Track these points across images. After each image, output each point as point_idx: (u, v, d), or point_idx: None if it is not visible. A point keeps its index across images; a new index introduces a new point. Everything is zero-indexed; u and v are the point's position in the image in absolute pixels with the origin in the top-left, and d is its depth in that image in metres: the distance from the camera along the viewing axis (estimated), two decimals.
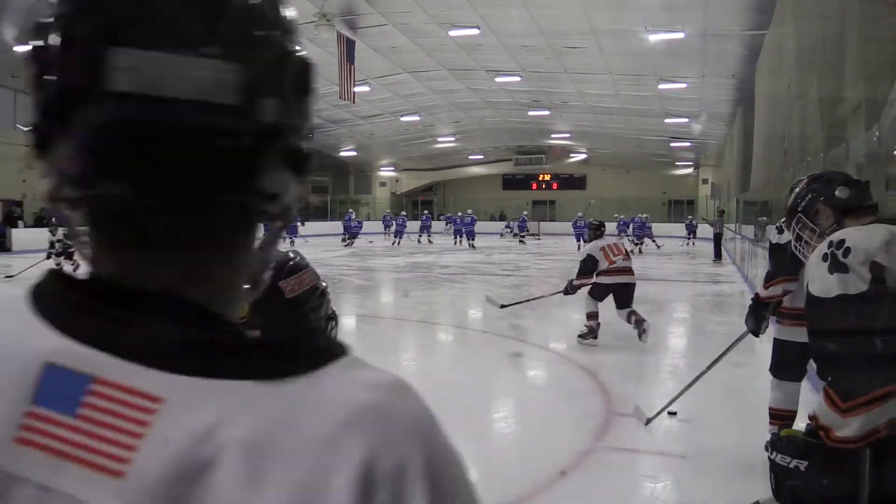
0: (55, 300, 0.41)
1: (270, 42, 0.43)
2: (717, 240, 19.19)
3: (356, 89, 19.97)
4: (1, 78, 22.00)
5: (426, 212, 31.63)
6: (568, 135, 33.10)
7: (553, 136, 33.89)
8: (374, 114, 29.20)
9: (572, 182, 39.68)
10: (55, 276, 0.44)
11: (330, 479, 0.36)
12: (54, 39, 0.42)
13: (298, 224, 28.58)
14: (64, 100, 0.40)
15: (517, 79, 23.20)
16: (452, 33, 18.78)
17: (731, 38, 16.15)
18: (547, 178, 40.46)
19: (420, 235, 28.42)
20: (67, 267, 12.16)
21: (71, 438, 0.37)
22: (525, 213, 30.82)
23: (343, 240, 27.51)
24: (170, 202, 0.41)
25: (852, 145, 6.25)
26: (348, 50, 18.50)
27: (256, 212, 0.46)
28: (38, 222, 23.41)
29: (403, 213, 31.08)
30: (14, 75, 21.74)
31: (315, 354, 0.43)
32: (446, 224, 29.73)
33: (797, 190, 2.28)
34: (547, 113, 28.38)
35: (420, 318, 9.60)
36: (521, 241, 27.76)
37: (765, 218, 12.20)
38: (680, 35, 15.93)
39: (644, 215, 24.15)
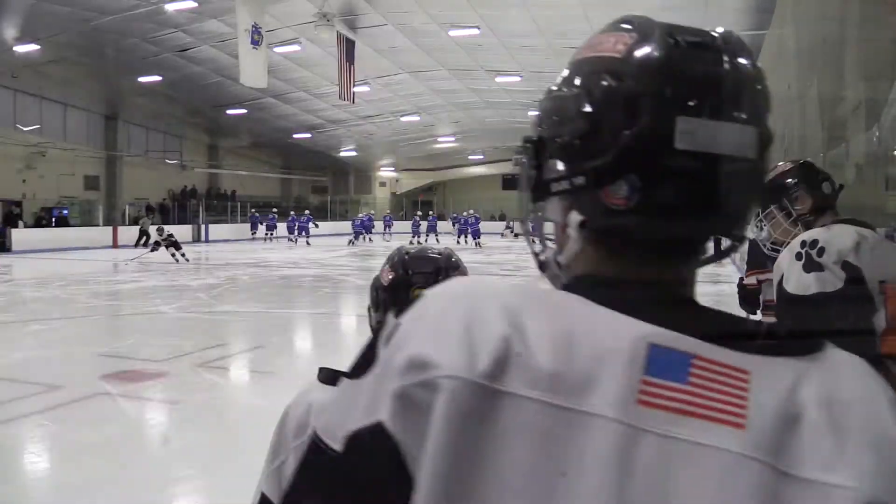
0: (624, 295, 0.52)
1: (766, 113, 0.57)
2: (717, 240, 19.19)
3: (356, 89, 19.96)
4: (1, 78, 21.98)
5: (431, 212, 31.82)
6: None
7: None
8: (374, 114, 29.17)
9: None
10: (614, 278, 0.57)
11: (888, 419, 0.48)
12: (639, 107, 0.53)
13: (311, 225, 28.90)
14: (639, 152, 0.53)
15: (517, 79, 23.20)
16: (452, 33, 18.77)
17: None
18: None
19: (428, 236, 28.67)
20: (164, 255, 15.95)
21: (686, 399, 0.47)
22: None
23: (361, 240, 28.39)
24: (709, 230, 0.58)
25: (852, 145, 6.24)
26: (348, 50, 18.49)
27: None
28: (38, 222, 23.41)
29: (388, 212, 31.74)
30: (14, 75, 21.73)
31: (816, 339, 0.53)
32: (453, 224, 29.81)
33: (783, 168, 2.25)
34: None
35: None
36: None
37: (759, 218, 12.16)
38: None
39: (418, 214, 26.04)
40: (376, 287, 1.22)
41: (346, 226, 34.94)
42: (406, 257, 1.21)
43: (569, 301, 0.53)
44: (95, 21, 17.32)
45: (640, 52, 0.54)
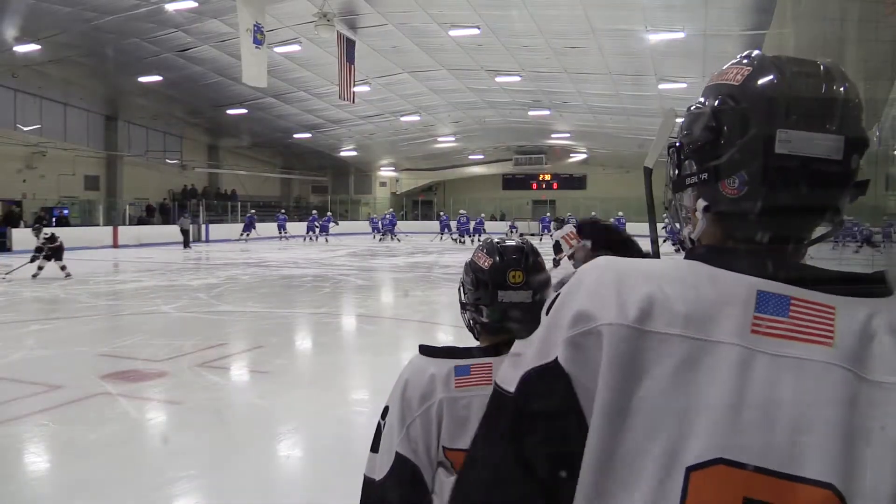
0: (734, 257, 0.69)
1: (859, 128, 0.71)
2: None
3: (356, 89, 19.94)
4: (1, 78, 21.98)
5: (442, 212, 32.22)
6: (568, 135, 33.07)
7: (553, 136, 33.85)
8: (374, 113, 29.17)
9: (572, 182, 39.64)
10: (725, 248, 0.73)
11: None
12: (749, 121, 0.71)
13: (331, 223, 29.84)
14: (749, 155, 0.70)
15: (517, 79, 23.18)
16: (452, 33, 18.76)
17: (731, 38, 16.13)
18: (547, 178, 40.39)
19: (441, 235, 29.45)
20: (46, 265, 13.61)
21: (788, 328, 0.63)
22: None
23: (385, 237, 29.30)
24: (804, 216, 0.72)
25: None
26: (348, 50, 18.47)
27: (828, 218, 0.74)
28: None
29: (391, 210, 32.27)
30: (14, 75, 21.73)
31: (887, 283, 0.68)
32: (459, 224, 30.14)
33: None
34: (547, 113, 28.36)
35: (420, 318, 9.60)
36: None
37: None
38: (680, 35, 15.93)
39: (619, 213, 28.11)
40: (475, 270, 1.45)
41: (347, 226, 35.02)
42: (499, 246, 1.46)
43: (694, 266, 0.69)
44: (96, 21, 17.31)
45: (753, 81, 0.72)
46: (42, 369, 6.10)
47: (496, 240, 1.52)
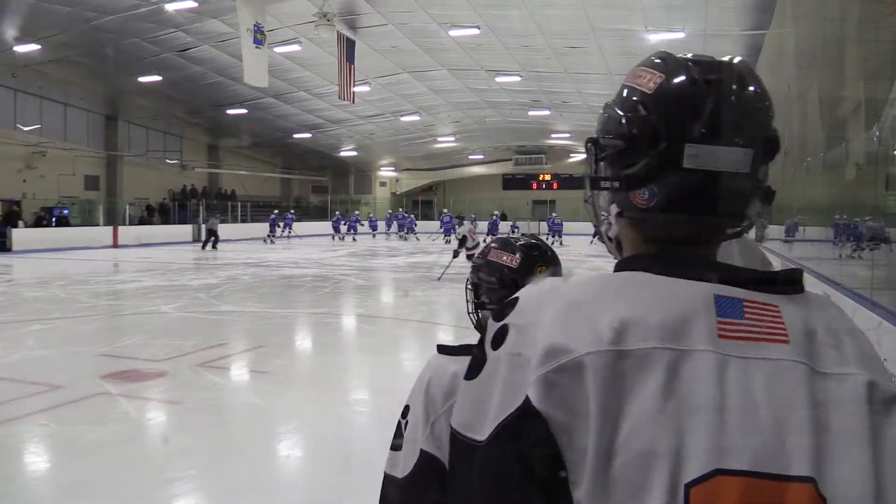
0: (684, 265, 0.69)
1: (767, 132, 0.73)
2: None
3: (356, 89, 19.94)
4: (1, 78, 21.97)
5: (446, 210, 32.40)
6: (568, 135, 33.08)
7: (553, 135, 33.87)
8: (374, 113, 29.18)
9: (572, 182, 39.63)
10: (663, 256, 0.74)
11: (861, 338, 0.69)
12: (659, 134, 0.72)
13: (358, 223, 30.73)
14: (657, 168, 0.72)
15: (517, 79, 23.19)
16: (452, 33, 18.77)
17: (731, 38, 16.14)
18: (547, 177, 40.38)
19: (448, 236, 29.11)
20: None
21: (748, 329, 0.65)
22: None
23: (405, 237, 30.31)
24: (712, 225, 0.74)
25: (852, 145, 6.24)
26: (348, 50, 18.48)
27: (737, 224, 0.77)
28: (38, 222, 23.40)
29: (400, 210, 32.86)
30: (14, 75, 21.73)
31: (801, 284, 0.71)
32: (443, 224, 30.35)
33: None
34: (547, 113, 28.36)
35: (420, 318, 9.59)
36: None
37: (765, 219, 12.18)
38: (680, 35, 15.92)
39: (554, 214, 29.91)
40: (500, 269, 1.45)
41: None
42: (519, 244, 1.49)
43: (646, 277, 0.69)
44: (96, 21, 17.32)
45: (664, 92, 0.72)
46: (42, 369, 6.10)
47: (510, 238, 1.54)
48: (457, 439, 0.66)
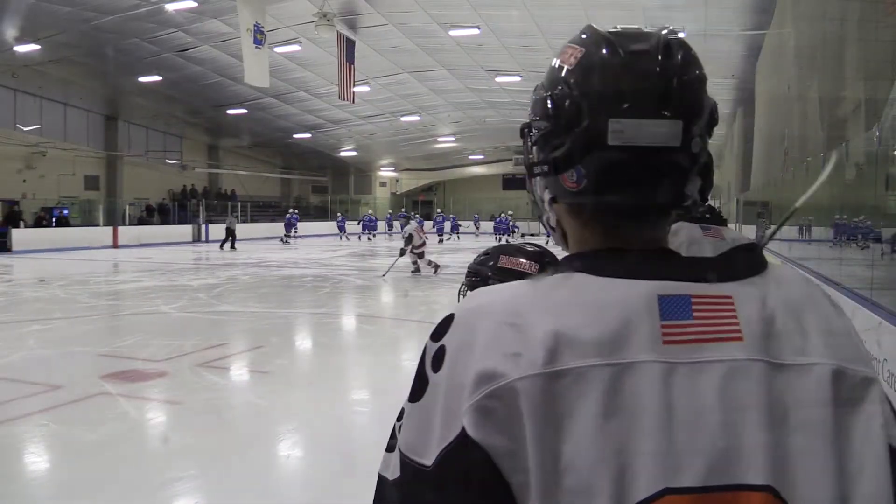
0: (621, 263, 0.65)
1: (701, 103, 0.68)
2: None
3: (356, 89, 19.94)
4: (1, 78, 21.97)
5: (439, 210, 33.06)
6: None
7: None
8: (374, 114, 29.19)
9: None
10: (602, 251, 0.68)
11: (830, 311, 0.66)
12: (581, 111, 0.66)
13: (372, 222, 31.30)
14: (582, 147, 0.67)
15: (517, 79, 23.19)
16: (452, 33, 18.77)
17: (731, 38, 16.15)
18: None
19: (440, 236, 30.19)
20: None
21: (697, 331, 0.61)
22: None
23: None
24: (647, 203, 0.67)
25: (852, 145, 6.24)
26: (348, 50, 18.48)
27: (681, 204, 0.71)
28: (38, 222, 23.40)
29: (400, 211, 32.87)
30: (14, 75, 21.73)
31: (761, 259, 0.68)
32: (435, 224, 31.28)
33: None
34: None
35: (420, 318, 9.59)
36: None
37: (765, 219, 12.19)
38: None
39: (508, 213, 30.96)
40: (517, 276, 1.36)
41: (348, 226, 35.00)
42: (532, 251, 1.48)
43: (582, 280, 0.64)
44: (95, 21, 17.32)
45: (585, 66, 0.68)
46: (42, 369, 6.10)
47: (511, 245, 1.51)
48: (405, 463, 0.64)
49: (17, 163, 24.10)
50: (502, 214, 31.72)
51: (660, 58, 0.67)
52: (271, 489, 3.71)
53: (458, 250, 23.77)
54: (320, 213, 38.26)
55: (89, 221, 25.38)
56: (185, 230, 27.58)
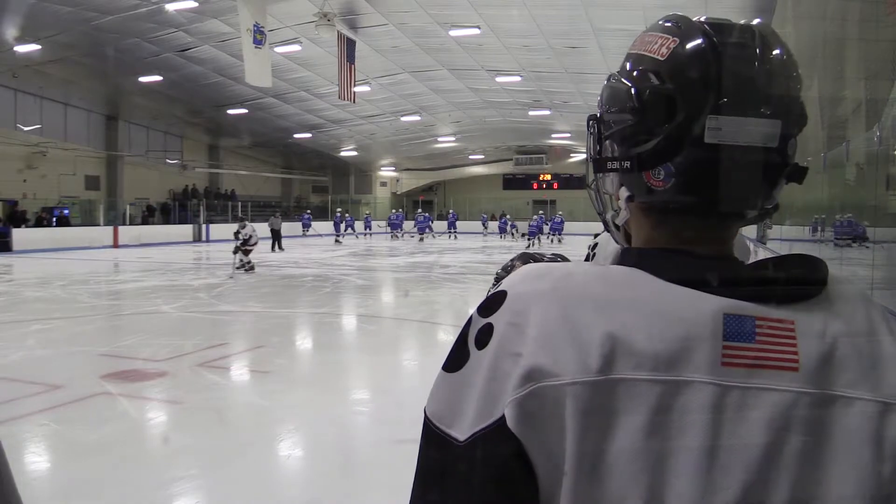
0: (689, 271, 0.62)
1: (797, 106, 0.65)
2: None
3: (356, 89, 19.94)
4: (1, 78, 21.98)
5: (420, 211, 32.94)
6: (568, 135, 33.08)
7: (553, 135, 33.87)
8: (375, 113, 29.19)
9: (573, 182, 39.63)
10: (668, 251, 0.66)
11: (887, 340, 0.62)
12: (676, 106, 0.63)
13: (430, 223, 31.98)
14: (674, 144, 0.63)
15: (517, 78, 23.19)
16: (453, 33, 18.77)
17: None
18: (547, 177, 40.39)
19: (422, 234, 30.90)
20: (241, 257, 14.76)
21: (756, 355, 0.59)
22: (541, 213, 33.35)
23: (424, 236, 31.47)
24: (735, 207, 0.66)
25: (853, 145, 6.24)
26: (348, 50, 18.48)
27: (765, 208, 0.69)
28: (39, 222, 23.40)
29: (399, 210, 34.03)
30: (15, 75, 21.73)
31: (825, 275, 0.64)
32: (417, 223, 32.18)
33: None
34: (547, 113, 28.36)
35: (420, 318, 9.59)
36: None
37: (767, 219, 12.14)
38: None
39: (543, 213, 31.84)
40: None
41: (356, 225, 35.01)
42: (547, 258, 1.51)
43: (646, 283, 0.62)
44: (96, 21, 17.32)
45: (680, 57, 0.64)
46: (42, 369, 6.10)
47: (537, 251, 1.53)
48: (431, 430, 0.62)
49: (17, 163, 24.10)
50: (506, 216, 33.82)
51: (759, 52, 0.63)
52: (271, 489, 3.71)
53: (459, 250, 23.77)
54: (321, 214, 38.30)
55: (90, 221, 25.39)
56: (186, 230, 27.58)
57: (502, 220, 33.46)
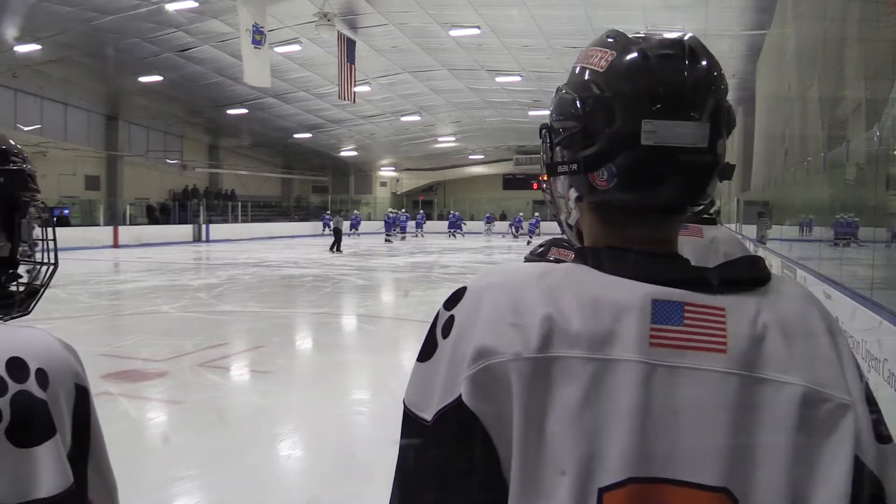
0: (625, 262, 0.68)
1: (724, 111, 0.71)
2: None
3: (357, 89, 19.94)
4: (1, 78, 21.97)
5: (401, 210, 33.39)
6: None
7: None
8: (375, 113, 29.18)
9: None
10: (611, 248, 0.71)
11: (819, 336, 0.67)
12: (614, 112, 0.69)
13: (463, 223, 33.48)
14: (614, 147, 0.69)
15: (517, 78, 23.19)
16: (453, 33, 18.77)
17: (731, 38, 16.14)
18: (547, 178, 40.33)
19: (403, 233, 31.39)
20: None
21: (684, 337, 0.64)
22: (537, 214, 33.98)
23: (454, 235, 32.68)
24: (674, 202, 0.71)
25: (853, 145, 6.24)
26: (349, 50, 18.48)
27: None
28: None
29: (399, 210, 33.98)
30: (15, 75, 21.73)
31: (764, 274, 0.70)
32: (399, 222, 32.38)
33: None
34: (547, 113, 28.29)
35: (420, 318, 9.60)
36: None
37: (766, 219, 12.18)
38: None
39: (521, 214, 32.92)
40: None
41: (346, 226, 35.01)
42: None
43: (585, 275, 0.69)
44: (96, 21, 17.32)
45: (617, 69, 0.70)
46: None
47: (561, 238, 1.64)
48: (407, 416, 0.69)
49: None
50: (520, 214, 34.25)
51: (687, 62, 0.70)
52: (271, 489, 3.71)
53: (460, 250, 23.77)
54: (320, 214, 38.30)
55: (90, 221, 25.38)
56: (186, 230, 27.58)
57: (517, 220, 33.48)
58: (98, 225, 24.85)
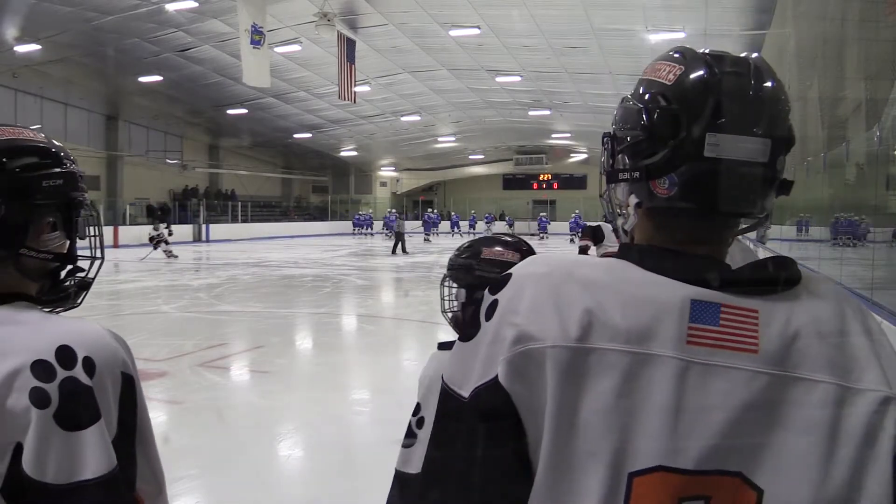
0: (666, 262, 0.72)
1: (785, 129, 0.74)
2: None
3: (357, 89, 19.94)
4: (1, 78, 21.97)
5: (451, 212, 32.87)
6: (568, 135, 33.06)
7: (553, 135, 33.85)
8: (375, 113, 29.17)
9: (573, 182, 39.61)
10: (655, 247, 0.75)
11: (854, 334, 0.69)
12: (680, 124, 0.72)
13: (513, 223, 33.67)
14: (678, 157, 0.72)
15: (517, 78, 23.18)
16: (453, 33, 18.76)
17: (731, 38, 16.12)
18: (547, 177, 40.37)
19: (390, 232, 31.44)
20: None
21: (719, 337, 0.67)
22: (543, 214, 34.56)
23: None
24: (730, 213, 0.75)
25: (853, 145, 6.24)
26: (349, 50, 18.47)
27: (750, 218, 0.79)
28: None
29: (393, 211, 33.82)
30: (15, 75, 21.73)
31: (796, 274, 0.72)
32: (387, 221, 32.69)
33: None
34: (547, 113, 28.36)
35: (420, 318, 9.59)
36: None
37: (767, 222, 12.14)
38: (680, 35, 15.91)
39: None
40: (501, 265, 1.49)
41: (346, 225, 35.06)
42: (511, 242, 1.64)
43: (627, 271, 0.72)
44: (96, 21, 17.31)
45: (685, 83, 0.74)
46: None
47: (493, 236, 1.66)
48: (445, 392, 0.73)
49: None
50: (542, 215, 34.77)
51: (752, 81, 0.73)
52: (271, 489, 3.71)
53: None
54: (321, 214, 38.28)
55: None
56: (186, 230, 27.56)
57: (542, 220, 33.87)
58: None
